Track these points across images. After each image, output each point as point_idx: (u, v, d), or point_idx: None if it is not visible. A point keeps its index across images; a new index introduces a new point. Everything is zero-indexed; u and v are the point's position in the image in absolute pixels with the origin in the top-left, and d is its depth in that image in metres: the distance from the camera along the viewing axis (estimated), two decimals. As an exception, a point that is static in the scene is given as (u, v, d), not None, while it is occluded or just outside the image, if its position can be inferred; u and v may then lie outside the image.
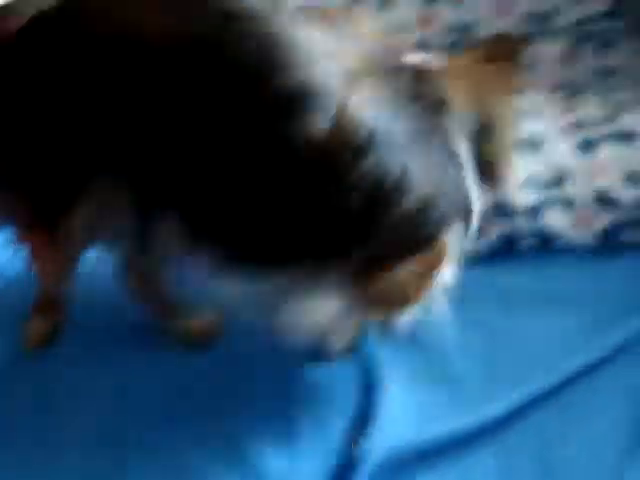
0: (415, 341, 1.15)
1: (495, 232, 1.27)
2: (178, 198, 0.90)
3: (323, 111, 0.83)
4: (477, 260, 1.19)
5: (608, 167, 1.30)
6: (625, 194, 1.28)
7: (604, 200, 1.28)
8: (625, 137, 1.32)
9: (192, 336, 1.17)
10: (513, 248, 1.28)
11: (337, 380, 1.14)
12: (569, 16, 1.54)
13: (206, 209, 0.89)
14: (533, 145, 1.32)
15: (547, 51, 1.52)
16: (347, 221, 0.89)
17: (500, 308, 1.20)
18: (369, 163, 0.85)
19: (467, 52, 1.07)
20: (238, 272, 0.93)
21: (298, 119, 0.83)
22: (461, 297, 1.14)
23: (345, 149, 0.85)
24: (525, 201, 1.28)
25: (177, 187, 0.89)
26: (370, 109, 0.86)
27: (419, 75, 0.92)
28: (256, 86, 0.84)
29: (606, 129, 1.34)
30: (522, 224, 1.27)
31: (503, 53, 1.02)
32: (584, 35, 1.53)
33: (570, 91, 1.46)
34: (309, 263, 0.91)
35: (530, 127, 1.33)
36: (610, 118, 1.36)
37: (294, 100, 0.83)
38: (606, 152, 1.31)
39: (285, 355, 1.12)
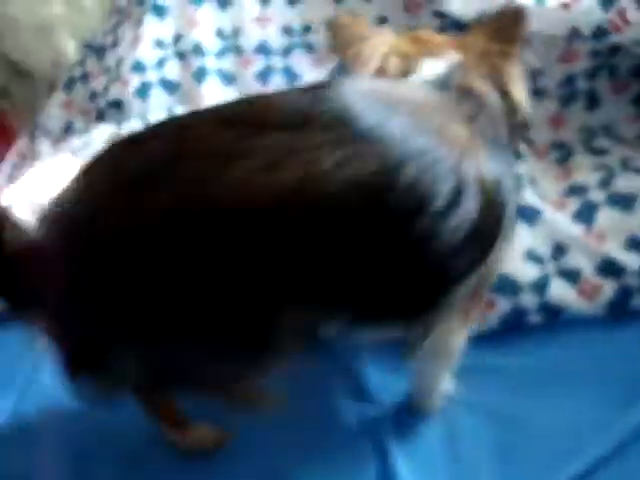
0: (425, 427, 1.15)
1: (501, 309, 1.25)
2: (353, 300, 0.93)
3: (470, 196, 0.89)
4: (482, 339, 1.18)
5: (608, 234, 1.28)
6: (629, 260, 1.25)
7: (608, 268, 1.25)
8: (622, 201, 1.31)
9: (201, 445, 1.15)
10: (520, 324, 1.25)
11: (354, 466, 1.13)
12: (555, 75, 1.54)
13: (374, 303, 0.94)
14: (530, 217, 1.31)
15: (536, 112, 1.51)
16: (478, 252, 0.95)
17: (510, 391, 1.16)
18: (500, 201, 0.94)
19: (474, 29, 1.11)
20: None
21: (453, 216, 0.88)
22: (468, 380, 1.12)
23: (493, 210, 0.93)
24: (528, 275, 1.26)
25: (353, 294, 0.92)
26: (485, 161, 0.92)
27: (464, 91, 0.98)
28: (418, 212, 0.86)
29: (602, 194, 1.33)
30: (527, 299, 1.25)
31: (508, 27, 1.07)
32: (570, 94, 1.52)
33: (561, 154, 1.45)
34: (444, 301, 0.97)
35: (525, 198, 1.32)
36: (605, 182, 1.35)
37: (449, 206, 0.88)
38: (605, 218, 1.29)
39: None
